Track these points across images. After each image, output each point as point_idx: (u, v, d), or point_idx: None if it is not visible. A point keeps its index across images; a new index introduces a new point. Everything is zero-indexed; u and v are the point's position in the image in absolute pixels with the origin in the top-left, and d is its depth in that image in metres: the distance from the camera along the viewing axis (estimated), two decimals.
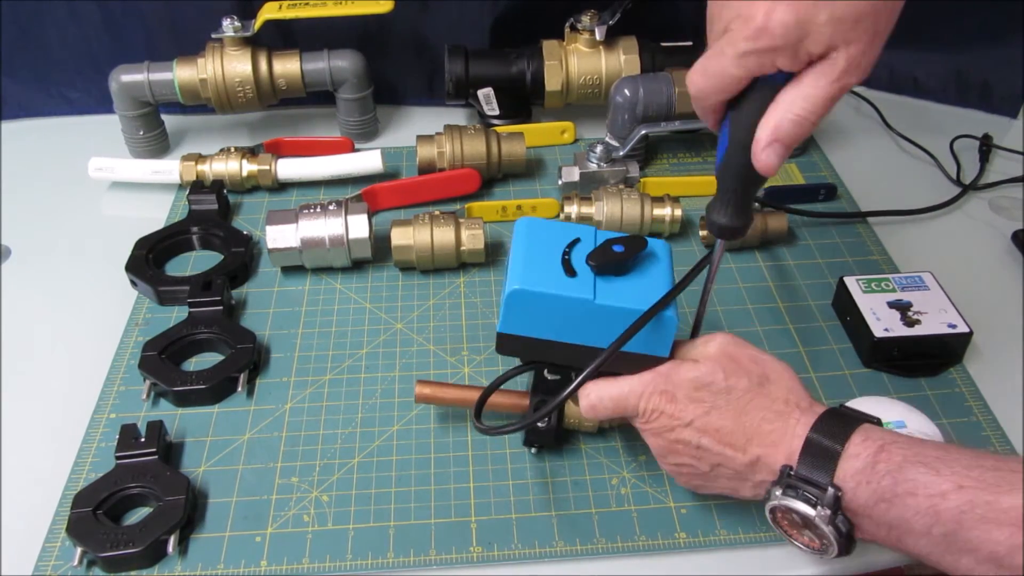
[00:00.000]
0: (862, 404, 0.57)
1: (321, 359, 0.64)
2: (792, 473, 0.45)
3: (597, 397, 0.51)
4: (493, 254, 0.73)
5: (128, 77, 0.81)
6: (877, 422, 0.47)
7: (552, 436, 0.55)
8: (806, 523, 0.46)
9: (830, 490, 0.44)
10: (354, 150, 0.84)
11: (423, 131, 0.82)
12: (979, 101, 0.93)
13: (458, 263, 0.72)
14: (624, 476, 0.56)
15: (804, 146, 0.86)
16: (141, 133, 0.84)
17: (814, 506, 0.44)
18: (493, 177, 0.82)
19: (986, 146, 0.85)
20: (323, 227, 0.69)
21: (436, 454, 0.57)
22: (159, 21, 0.86)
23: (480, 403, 0.54)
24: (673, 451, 0.50)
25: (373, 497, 0.55)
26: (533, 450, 0.57)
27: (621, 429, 0.59)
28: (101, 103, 0.89)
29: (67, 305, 0.70)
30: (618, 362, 0.49)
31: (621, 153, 0.80)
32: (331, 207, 0.70)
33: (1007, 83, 0.91)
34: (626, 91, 0.80)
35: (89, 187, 0.82)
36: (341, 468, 0.57)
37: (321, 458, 0.57)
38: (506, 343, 0.51)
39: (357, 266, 0.73)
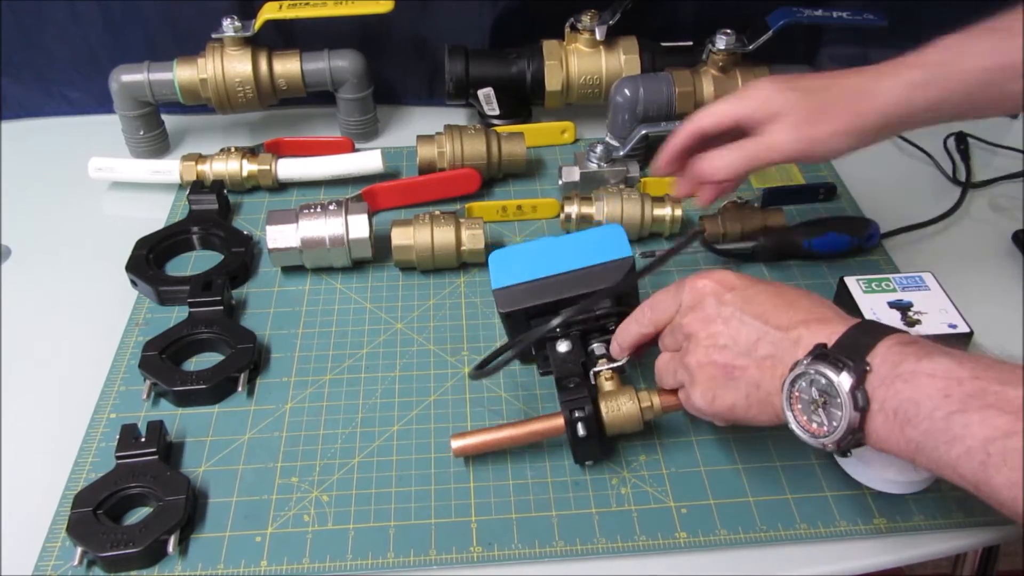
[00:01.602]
0: None
1: (321, 359, 0.64)
2: (826, 348, 0.45)
3: (622, 328, 0.54)
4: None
5: (128, 77, 0.81)
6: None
7: (597, 445, 0.54)
8: (823, 396, 0.44)
9: (860, 361, 0.43)
10: (354, 150, 0.84)
11: (423, 131, 0.82)
12: None
13: (458, 263, 0.72)
14: (624, 476, 0.56)
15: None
16: (141, 133, 0.84)
17: (839, 372, 0.43)
18: (493, 177, 0.82)
19: (963, 145, 0.85)
20: (323, 227, 0.69)
21: (436, 454, 0.57)
22: (159, 21, 0.86)
23: (485, 360, 0.57)
24: (710, 321, 0.50)
25: (373, 497, 0.55)
26: (589, 463, 0.57)
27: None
28: (101, 103, 0.89)
29: (67, 305, 0.70)
30: (588, 279, 0.58)
31: (621, 153, 0.80)
32: (331, 207, 0.70)
33: None
34: (626, 91, 0.80)
35: (89, 187, 0.82)
36: (341, 468, 0.57)
37: (321, 458, 0.57)
38: (504, 299, 0.59)
39: (357, 266, 0.73)
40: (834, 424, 0.44)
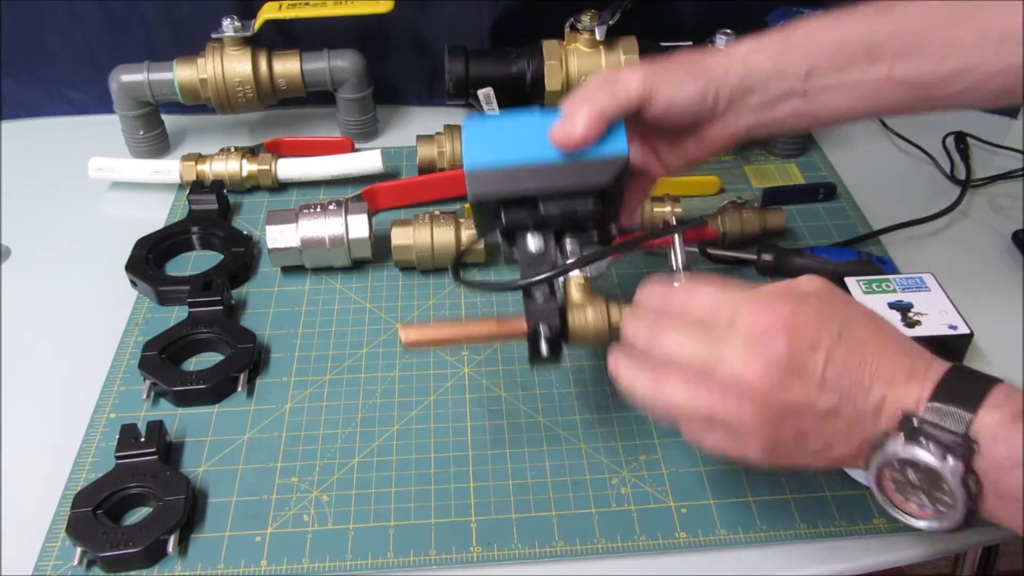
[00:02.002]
0: None
1: (321, 359, 0.64)
2: (918, 420, 0.39)
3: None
4: (493, 254, 0.73)
5: (128, 77, 0.81)
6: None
7: (557, 360, 0.51)
8: (928, 480, 0.39)
9: (965, 441, 0.38)
10: (354, 150, 0.84)
11: (423, 131, 0.82)
12: None
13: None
14: (624, 476, 0.56)
15: (804, 145, 0.86)
16: (141, 133, 0.84)
17: (944, 458, 0.38)
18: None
19: (962, 144, 0.85)
20: (323, 227, 0.69)
21: (436, 454, 0.57)
22: (159, 21, 0.86)
23: (458, 257, 0.54)
24: (776, 401, 0.40)
25: (373, 497, 0.55)
26: (535, 366, 0.53)
27: (619, 428, 0.59)
28: (101, 103, 0.89)
29: (67, 305, 0.70)
30: (573, 173, 0.51)
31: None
32: (331, 207, 0.70)
33: None
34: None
35: (89, 187, 0.82)
36: (341, 468, 0.57)
37: (321, 458, 0.57)
38: (476, 183, 0.52)
39: (357, 266, 0.73)
40: (944, 507, 0.39)
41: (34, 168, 0.86)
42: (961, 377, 0.40)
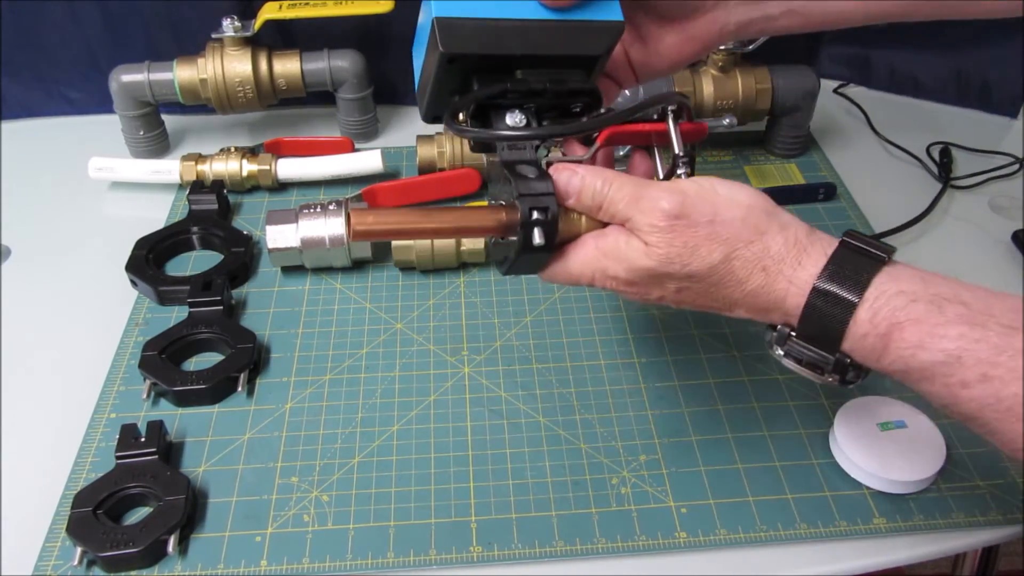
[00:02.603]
0: (863, 404, 0.57)
1: (321, 359, 0.64)
2: (792, 336, 0.44)
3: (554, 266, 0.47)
4: (492, 254, 0.73)
5: (128, 77, 0.81)
6: (887, 255, 0.42)
7: (545, 259, 0.46)
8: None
9: (836, 358, 0.42)
10: (354, 150, 0.84)
11: (423, 131, 0.82)
12: (979, 101, 0.93)
13: (458, 263, 0.72)
14: (624, 476, 0.56)
15: (804, 145, 0.86)
16: (141, 133, 0.84)
17: (820, 373, 0.43)
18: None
19: (946, 158, 0.84)
20: (323, 227, 0.69)
21: (436, 454, 0.57)
22: (159, 21, 0.86)
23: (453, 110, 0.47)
24: (647, 301, 0.47)
25: (373, 497, 0.55)
26: (512, 275, 0.48)
27: (619, 428, 0.59)
28: (101, 103, 0.89)
29: (67, 305, 0.70)
30: (563, 37, 0.45)
31: (621, 153, 0.79)
32: (331, 207, 0.70)
33: (1007, 83, 0.91)
34: (626, 91, 0.79)
35: (89, 187, 0.82)
36: (341, 468, 0.57)
37: (321, 458, 0.57)
38: (450, 35, 0.45)
39: (357, 266, 0.73)
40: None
41: (34, 168, 0.86)
42: (832, 289, 0.41)
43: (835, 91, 0.96)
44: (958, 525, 0.53)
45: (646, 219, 0.43)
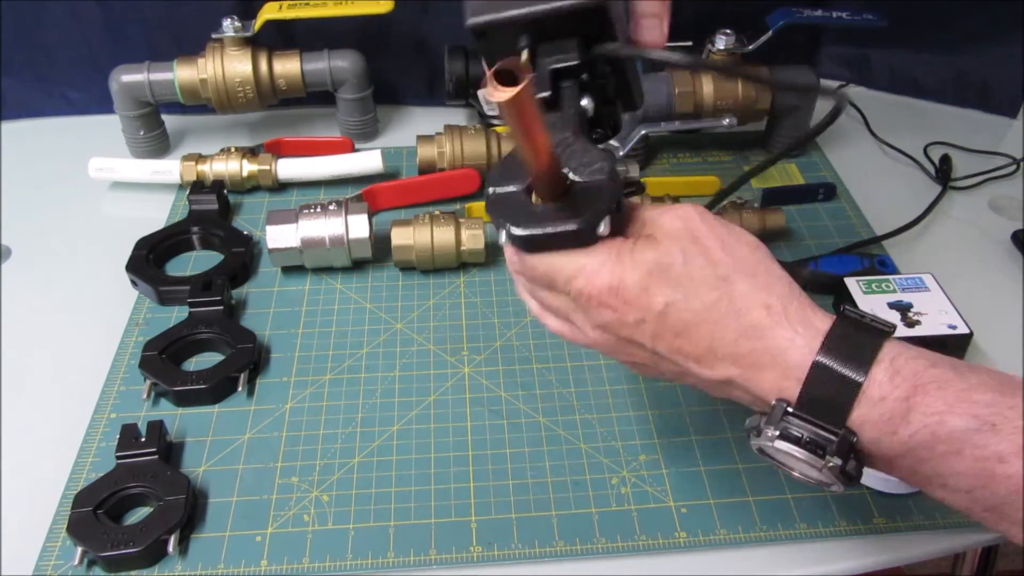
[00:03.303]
0: None
1: (321, 359, 0.64)
2: (790, 412, 0.38)
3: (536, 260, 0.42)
4: (493, 254, 0.73)
5: (128, 77, 0.81)
6: (892, 330, 0.38)
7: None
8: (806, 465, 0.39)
9: (842, 434, 0.36)
10: (354, 150, 0.84)
11: (423, 131, 0.82)
12: (979, 101, 0.93)
13: (458, 263, 0.72)
14: (624, 476, 0.56)
15: (804, 146, 0.86)
16: (141, 133, 0.84)
17: (821, 456, 0.37)
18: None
19: (946, 164, 0.84)
20: (323, 227, 0.69)
21: (436, 454, 0.57)
22: (159, 21, 0.86)
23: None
24: (623, 351, 0.42)
25: (373, 497, 0.55)
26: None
27: (619, 428, 0.59)
28: (101, 103, 0.89)
29: (67, 305, 0.70)
30: None
31: (621, 153, 0.80)
32: (331, 207, 0.70)
33: (1007, 83, 0.91)
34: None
35: (89, 187, 0.82)
36: (341, 468, 0.57)
37: (321, 458, 0.57)
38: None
39: (357, 266, 0.73)
40: (824, 484, 0.39)
41: (34, 168, 0.86)
42: (836, 353, 0.37)
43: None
44: (958, 525, 0.53)
45: (663, 219, 0.40)
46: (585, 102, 0.44)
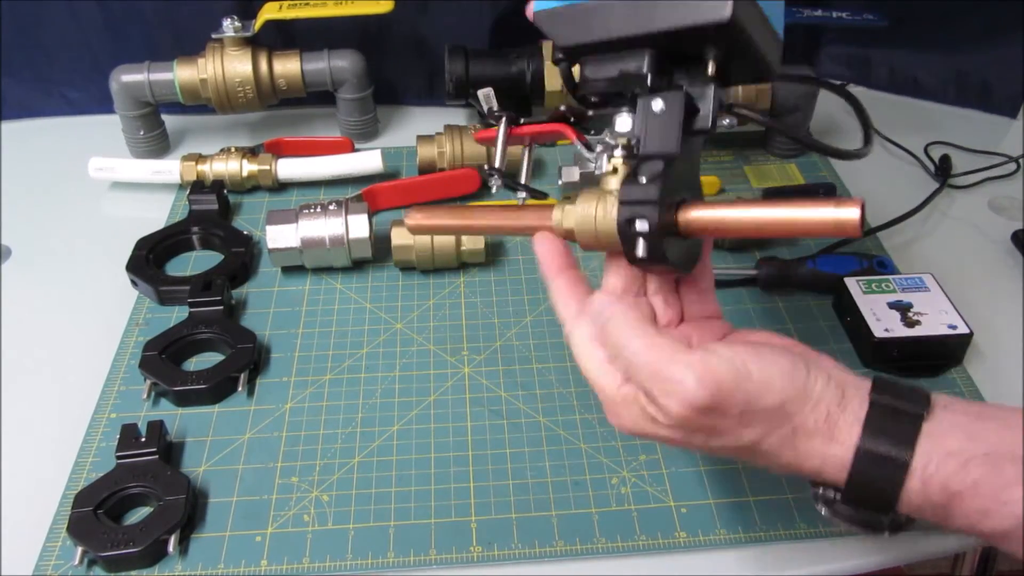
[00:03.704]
0: None
1: (321, 359, 0.64)
2: (836, 499, 0.41)
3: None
4: (493, 254, 0.73)
5: (128, 77, 0.81)
6: (927, 406, 0.40)
7: (657, 250, 0.41)
8: None
9: (891, 516, 0.40)
10: (354, 150, 0.84)
11: (423, 131, 0.82)
12: (979, 101, 0.93)
13: (458, 263, 0.72)
14: (624, 476, 0.56)
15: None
16: (141, 133, 0.84)
17: (875, 531, 0.40)
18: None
19: (946, 163, 0.84)
20: (323, 227, 0.69)
21: (436, 454, 0.57)
22: (159, 21, 0.86)
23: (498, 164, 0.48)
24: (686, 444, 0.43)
25: (373, 497, 0.55)
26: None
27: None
28: (101, 103, 0.89)
29: (67, 305, 0.70)
30: (666, 10, 0.39)
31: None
32: (331, 207, 0.70)
33: (1007, 83, 0.91)
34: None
35: (89, 187, 0.82)
36: (341, 468, 0.57)
37: (321, 458, 0.57)
38: (557, 25, 0.42)
39: (357, 266, 0.73)
40: None
41: (34, 168, 0.86)
42: (876, 457, 0.38)
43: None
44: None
45: (667, 402, 0.39)
46: (657, 105, 0.42)
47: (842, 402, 0.40)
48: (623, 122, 0.43)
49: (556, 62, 0.45)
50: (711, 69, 0.41)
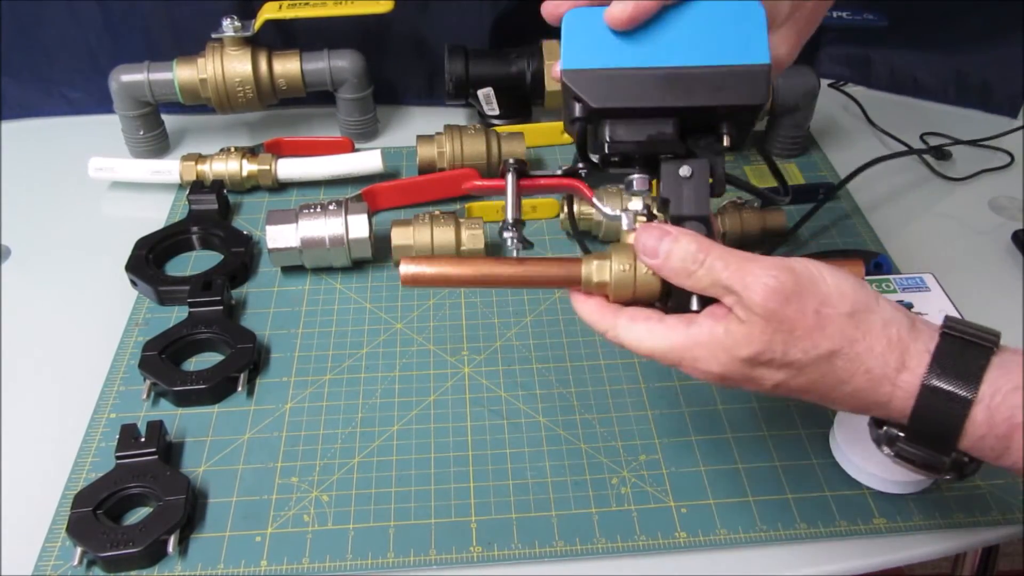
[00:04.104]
0: None
1: (321, 359, 0.64)
2: (901, 439, 0.41)
3: (635, 338, 0.44)
4: (493, 254, 0.73)
5: (128, 77, 0.81)
6: (995, 344, 0.40)
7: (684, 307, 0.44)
8: None
9: (954, 457, 0.40)
10: (354, 150, 0.84)
11: (423, 131, 0.82)
12: (979, 101, 0.93)
13: None
14: (624, 476, 0.56)
15: (804, 145, 0.86)
16: (141, 133, 0.84)
17: (938, 472, 0.41)
18: (493, 177, 0.82)
19: (945, 156, 0.84)
20: (323, 227, 0.69)
21: (436, 454, 0.57)
22: (159, 21, 0.86)
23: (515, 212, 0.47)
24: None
25: (373, 497, 0.55)
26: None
27: (619, 428, 0.59)
28: (101, 103, 0.89)
29: (67, 305, 0.70)
30: (705, 89, 0.43)
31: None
32: (331, 207, 0.70)
33: (1007, 83, 0.91)
34: None
35: (89, 187, 0.82)
36: (341, 468, 0.57)
37: (321, 458, 0.57)
38: (592, 88, 0.44)
39: (357, 266, 0.73)
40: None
41: (34, 168, 0.86)
42: (938, 397, 0.39)
43: (831, 86, 0.96)
44: (958, 525, 0.53)
45: (752, 295, 0.40)
46: (686, 170, 0.45)
47: (912, 331, 0.40)
48: (640, 182, 0.46)
49: (572, 122, 0.46)
50: (726, 141, 0.45)
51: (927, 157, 0.85)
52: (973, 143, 0.87)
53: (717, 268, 0.41)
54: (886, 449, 0.42)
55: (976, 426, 0.39)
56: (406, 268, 0.45)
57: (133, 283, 0.70)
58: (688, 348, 0.42)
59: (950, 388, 0.39)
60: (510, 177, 0.50)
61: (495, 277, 0.46)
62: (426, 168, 0.81)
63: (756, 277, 0.40)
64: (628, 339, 0.44)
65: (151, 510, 0.53)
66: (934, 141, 0.87)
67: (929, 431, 0.40)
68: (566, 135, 0.87)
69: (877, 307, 0.41)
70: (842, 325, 0.40)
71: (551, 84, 0.84)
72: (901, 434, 0.41)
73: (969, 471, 0.41)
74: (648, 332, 0.43)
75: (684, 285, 0.42)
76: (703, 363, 0.42)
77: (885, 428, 0.42)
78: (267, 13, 0.79)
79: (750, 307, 0.40)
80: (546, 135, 0.87)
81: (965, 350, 0.39)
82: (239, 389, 0.61)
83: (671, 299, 0.44)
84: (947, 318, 0.41)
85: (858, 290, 0.41)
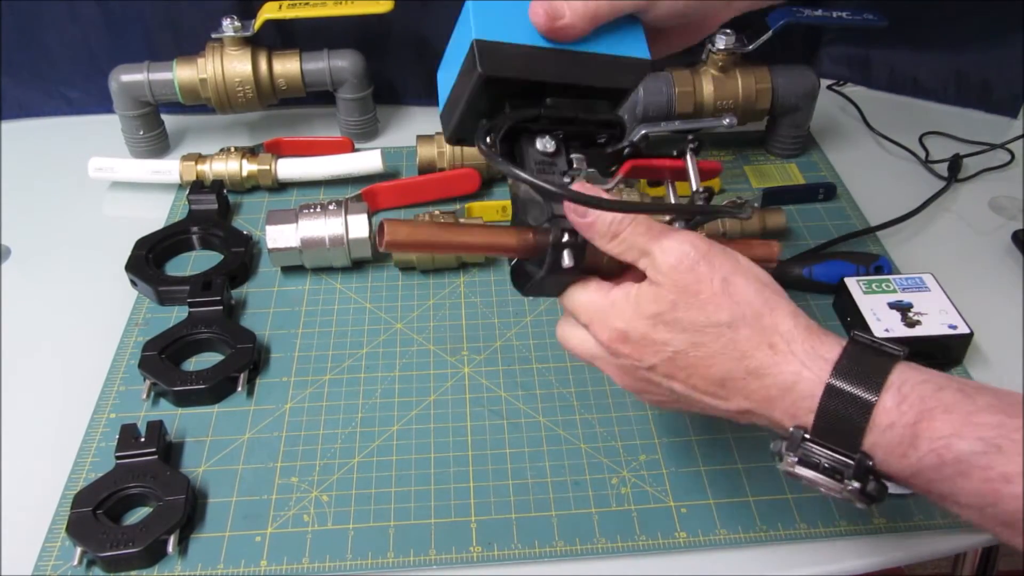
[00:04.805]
0: None
1: (321, 359, 0.64)
2: (807, 438, 0.40)
3: (568, 294, 0.46)
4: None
5: (128, 77, 0.81)
6: (902, 354, 0.40)
7: (568, 281, 0.46)
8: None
9: (858, 459, 0.39)
10: (354, 150, 0.84)
11: (423, 131, 0.82)
12: (979, 101, 0.93)
13: (458, 263, 0.72)
14: (624, 476, 0.56)
15: (804, 145, 0.86)
16: (141, 133, 0.84)
17: (840, 480, 0.39)
18: (493, 177, 0.82)
19: (956, 163, 0.84)
20: (323, 227, 0.69)
21: (436, 454, 0.57)
22: (159, 21, 0.86)
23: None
24: (645, 391, 0.46)
25: (373, 497, 0.55)
26: (530, 297, 0.50)
27: (619, 428, 0.59)
28: (101, 103, 0.89)
29: (67, 305, 0.70)
30: (596, 69, 0.47)
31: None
32: (331, 207, 0.70)
33: (1007, 83, 0.91)
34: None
35: (89, 187, 0.82)
36: (341, 468, 0.57)
37: (321, 458, 0.57)
38: (490, 57, 0.45)
39: (357, 266, 0.73)
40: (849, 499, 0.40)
41: (34, 168, 0.86)
42: (845, 383, 0.39)
43: (829, 87, 0.96)
44: (958, 525, 0.53)
45: (665, 257, 0.42)
46: (546, 146, 0.48)
47: (821, 327, 0.42)
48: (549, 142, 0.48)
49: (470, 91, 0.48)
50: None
51: (923, 154, 0.85)
52: (976, 152, 0.87)
53: (638, 232, 0.43)
54: (790, 456, 0.40)
55: (884, 413, 0.38)
56: (391, 231, 0.44)
57: (133, 283, 0.70)
58: (601, 308, 0.44)
59: (859, 373, 0.39)
60: (689, 157, 0.52)
61: (462, 244, 0.47)
62: (426, 168, 0.81)
63: (672, 241, 0.42)
64: (566, 297, 0.47)
65: (151, 510, 0.53)
66: (934, 141, 0.87)
67: (836, 421, 0.39)
68: None
69: (785, 298, 0.42)
70: (749, 296, 0.41)
71: None
72: (807, 435, 0.40)
73: (872, 490, 0.39)
74: (582, 289, 0.46)
75: (606, 248, 0.44)
76: (610, 319, 0.44)
77: (791, 429, 0.41)
78: (267, 13, 0.79)
79: (660, 268, 0.42)
80: None
81: (875, 351, 0.40)
82: (239, 389, 0.61)
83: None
84: (854, 333, 0.42)
85: (770, 278, 0.43)
